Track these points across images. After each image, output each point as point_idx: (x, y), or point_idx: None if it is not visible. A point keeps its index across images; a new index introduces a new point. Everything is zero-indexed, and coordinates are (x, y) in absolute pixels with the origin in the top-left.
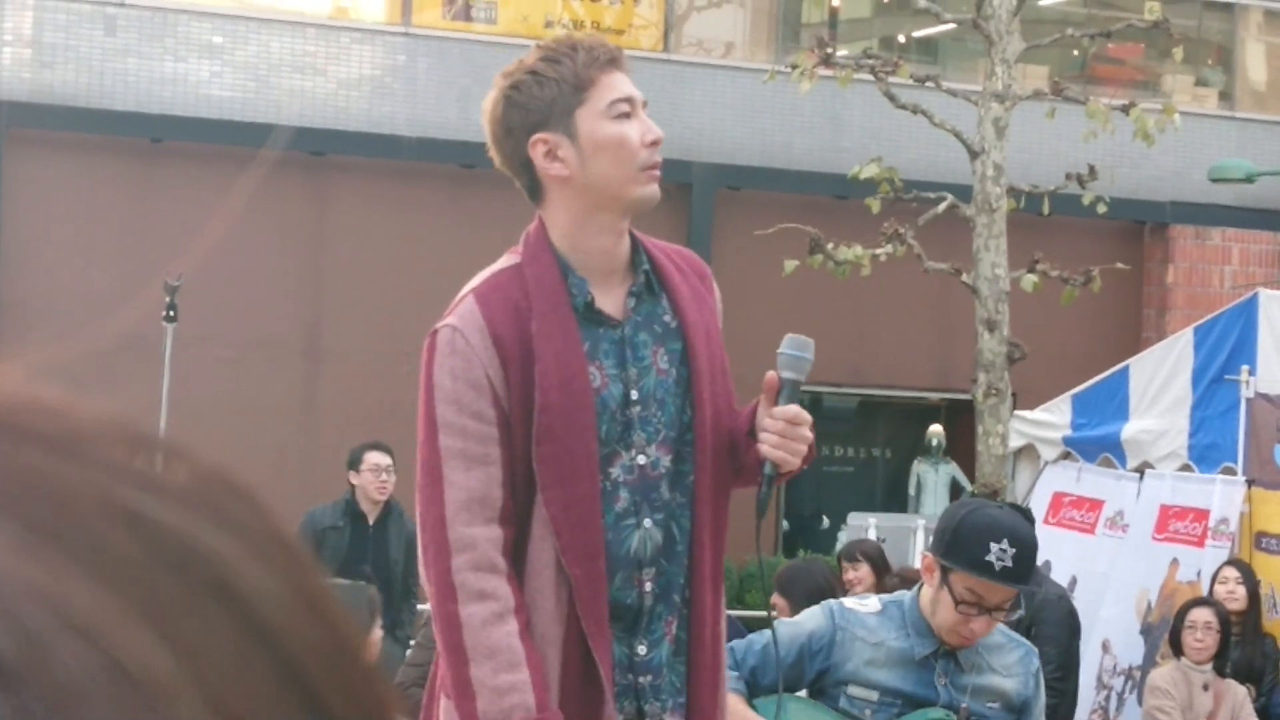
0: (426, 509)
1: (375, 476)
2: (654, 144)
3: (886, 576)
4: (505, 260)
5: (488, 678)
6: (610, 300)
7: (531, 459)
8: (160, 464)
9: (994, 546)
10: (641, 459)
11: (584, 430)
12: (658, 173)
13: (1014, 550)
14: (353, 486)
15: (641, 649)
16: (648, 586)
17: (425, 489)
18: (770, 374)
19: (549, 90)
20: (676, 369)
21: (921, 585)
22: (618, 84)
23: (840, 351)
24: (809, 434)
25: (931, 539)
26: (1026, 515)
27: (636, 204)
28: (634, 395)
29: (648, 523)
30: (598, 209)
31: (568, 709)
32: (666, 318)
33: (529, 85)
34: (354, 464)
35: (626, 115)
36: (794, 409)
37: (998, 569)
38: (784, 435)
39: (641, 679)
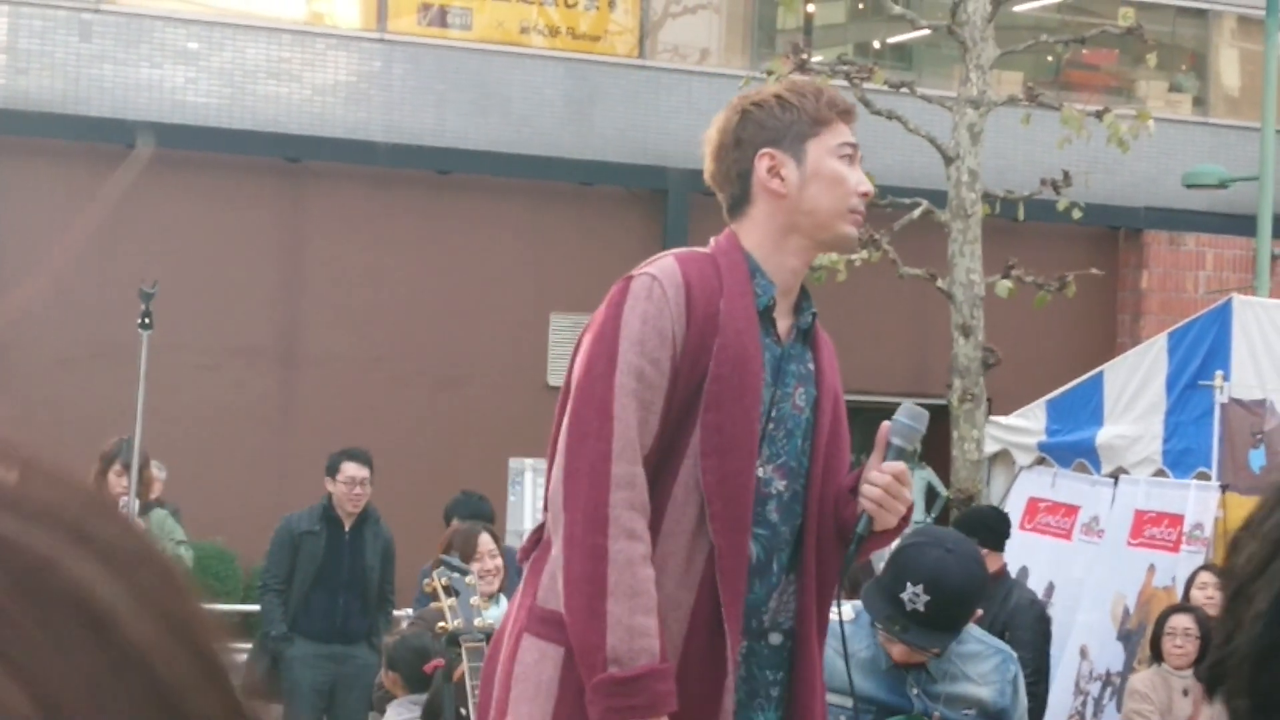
0: (587, 439)
1: (349, 488)
2: (864, 195)
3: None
4: (697, 250)
5: (625, 615)
6: (781, 320)
7: (687, 423)
8: (21, 480)
9: (910, 587)
10: (760, 472)
11: (751, 409)
12: (860, 219)
13: (929, 598)
14: (329, 492)
15: None
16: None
17: (590, 421)
18: (884, 423)
19: (790, 115)
20: (808, 413)
21: None
22: (847, 133)
23: None
24: (910, 496)
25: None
26: (992, 522)
27: (835, 239)
28: (774, 413)
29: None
30: (799, 232)
31: (690, 678)
32: (810, 367)
33: (772, 106)
34: (331, 471)
35: (849, 159)
36: (901, 466)
37: (906, 609)
38: (888, 490)
39: None
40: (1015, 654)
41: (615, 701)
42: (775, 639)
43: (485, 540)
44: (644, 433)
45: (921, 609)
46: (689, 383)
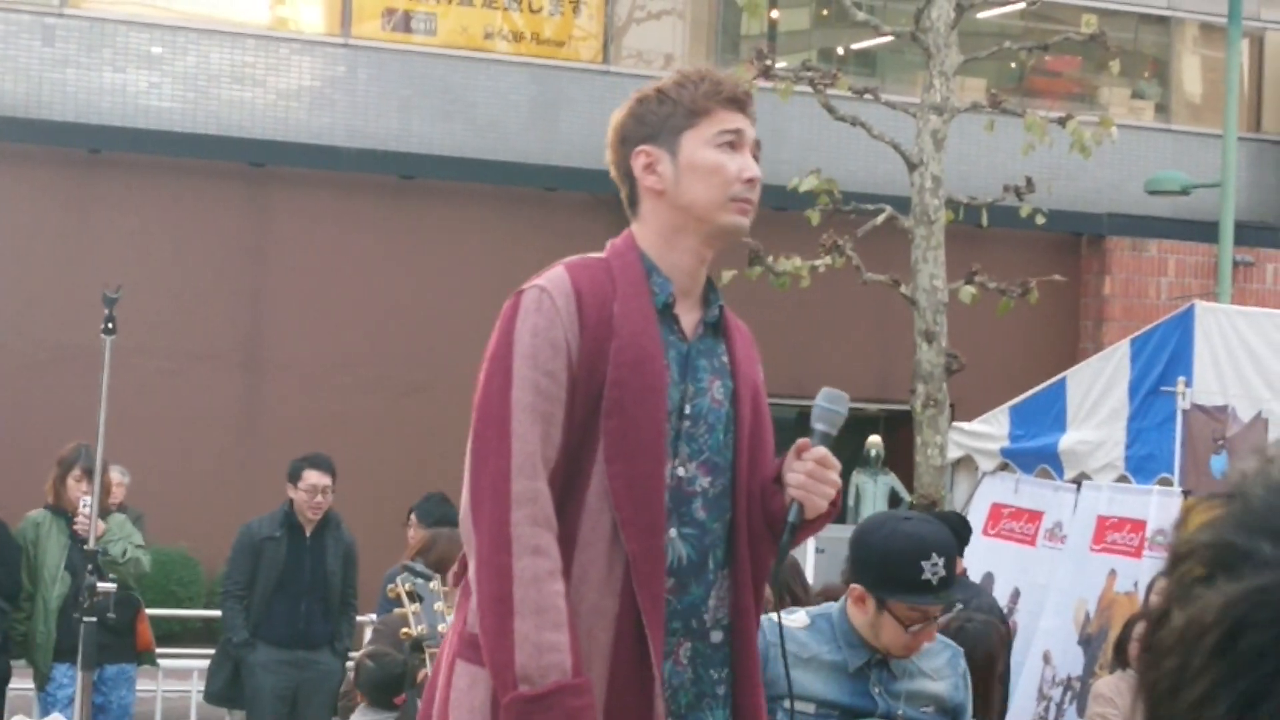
0: (487, 459)
1: (310, 496)
2: (749, 181)
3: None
4: (594, 254)
5: (532, 633)
6: (685, 316)
7: (593, 430)
8: None
9: (925, 565)
10: (681, 471)
11: (655, 410)
12: (748, 206)
13: (943, 559)
14: (291, 498)
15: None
16: (665, 594)
17: (490, 440)
18: (802, 440)
19: (666, 109)
20: (727, 406)
21: (847, 597)
22: (731, 120)
23: (779, 363)
24: (836, 479)
25: (849, 565)
26: (957, 525)
27: (721, 230)
28: (687, 409)
29: (673, 532)
30: (684, 229)
31: (620, 684)
32: (724, 359)
33: (651, 102)
34: (293, 478)
35: (730, 146)
36: (823, 450)
37: (935, 584)
38: (812, 475)
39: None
40: (962, 651)
41: None
42: (717, 637)
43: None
44: (546, 446)
45: (943, 572)
46: (589, 390)
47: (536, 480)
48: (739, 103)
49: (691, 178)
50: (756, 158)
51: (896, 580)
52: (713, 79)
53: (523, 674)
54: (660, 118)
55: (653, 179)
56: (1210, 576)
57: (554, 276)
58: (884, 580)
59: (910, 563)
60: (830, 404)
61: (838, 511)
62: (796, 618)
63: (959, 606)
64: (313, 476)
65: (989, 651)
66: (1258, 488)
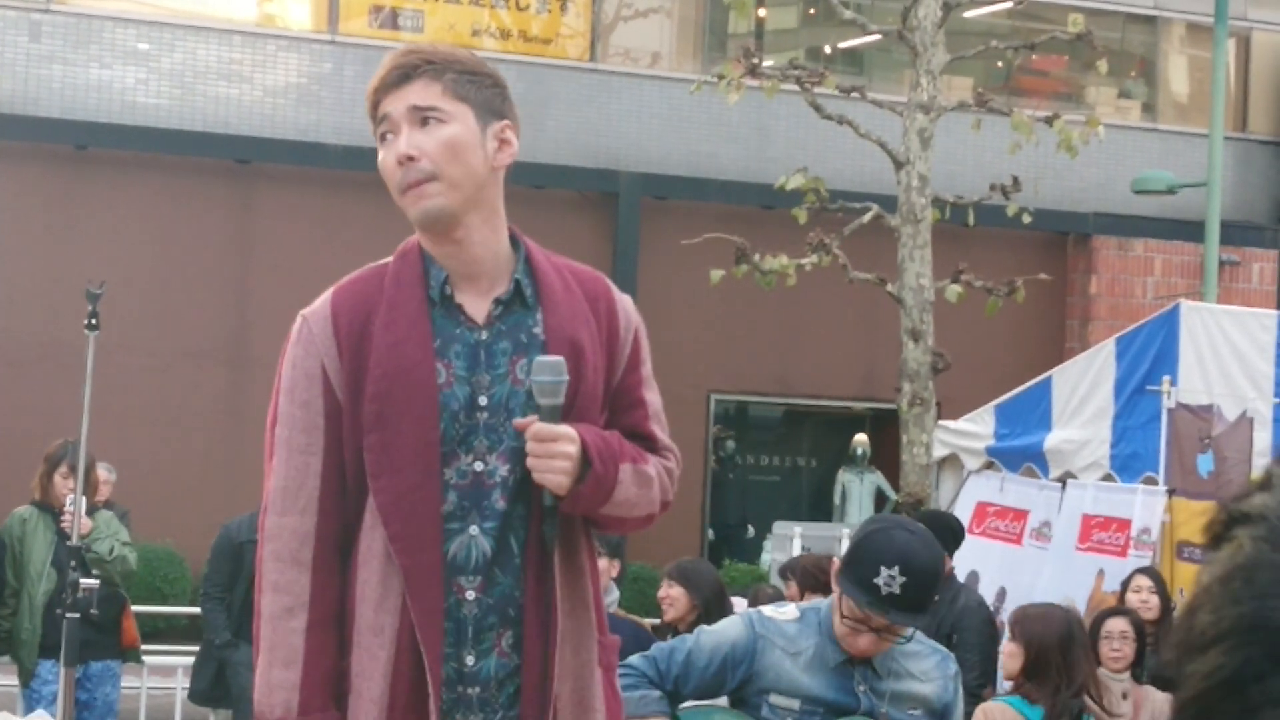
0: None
1: None
2: (403, 161)
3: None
4: (383, 261)
5: (264, 669)
6: (475, 303)
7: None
8: None
9: (884, 571)
10: (479, 465)
11: (421, 420)
12: (417, 188)
13: (904, 579)
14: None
15: (469, 659)
16: (470, 595)
17: (265, 477)
18: (518, 420)
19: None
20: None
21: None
22: (382, 108)
23: (766, 361)
24: (567, 449)
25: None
26: (953, 524)
27: (416, 223)
28: (482, 401)
29: (474, 530)
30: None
31: (400, 702)
32: (536, 330)
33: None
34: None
35: (386, 137)
36: (539, 426)
37: (884, 595)
38: (535, 454)
39: (470, 690)
40: (952, 654)
41: None
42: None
43: None
44: (305, 476)
45: (898, 590)
46: (357, 409)
47: (284, 516)
48: (390, 86)
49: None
50: (431, 118)
51: (853, 574)
52: (384, 67)
53: (259, 711)
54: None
55: None
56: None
57: (318, 302)
58: (847, 567)
59: (871, 563)
60: (546, 375)
61: (608, 484)
62: (786, 611)
63: (911, 632)
64: None
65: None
66: None
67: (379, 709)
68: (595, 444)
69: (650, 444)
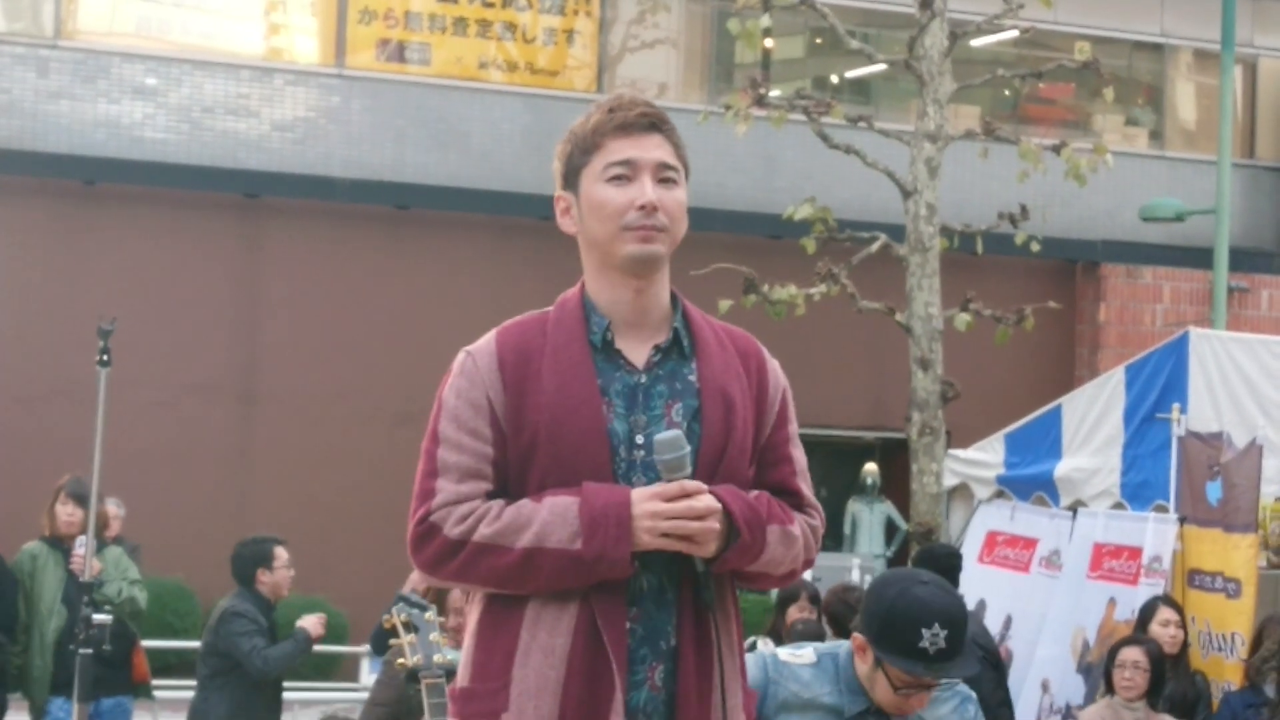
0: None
1: (288, 572)
2: (643, 208)
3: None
4: (532, 313)
5: (539, 519)
6: (635, 349)
7: (528, 483)
8: None
9: (925, 633)
10: None
11: (595, 452)
12: (648, 233)
13: (945, 632)
14: (262, 584)
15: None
16: (627, 625)
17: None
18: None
19: (567, 149)
20: (689, 425)
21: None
22: (623, 149)
23: None
24: (707, 502)
25: (861, 616)
26: (948, 560)
27: (624, 262)
28: (639, 440)
29: (635, 561)
30: (603, 265)
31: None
32: (691, 378)
33: (563, 143)
34: (263, 560)
35: (620, 179)
36: (665, 487)
37: (932, 653)
38: (677, 525)
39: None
40: (973, 694)
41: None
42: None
43: (455, 595)
44: (476, 496)
45: (944, 645)
46: (519, 443)
47: (457, 522)
48: (631, 127)
49: (590, 217)
50: (671, 178)
51: (895, 642)
52: (608, 107)
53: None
54: (566, 158)
55: (567, 222)
56: None
57: (483, 341)
58: (884, 639)
59: (911, 628)
60: (667, 454)
61: (760, 547)
62: (804, 654)
63: (955, 681)
64: (281, 551)
65: None
66: None
67: None
68: (742, 512)
69: (796, 499)
